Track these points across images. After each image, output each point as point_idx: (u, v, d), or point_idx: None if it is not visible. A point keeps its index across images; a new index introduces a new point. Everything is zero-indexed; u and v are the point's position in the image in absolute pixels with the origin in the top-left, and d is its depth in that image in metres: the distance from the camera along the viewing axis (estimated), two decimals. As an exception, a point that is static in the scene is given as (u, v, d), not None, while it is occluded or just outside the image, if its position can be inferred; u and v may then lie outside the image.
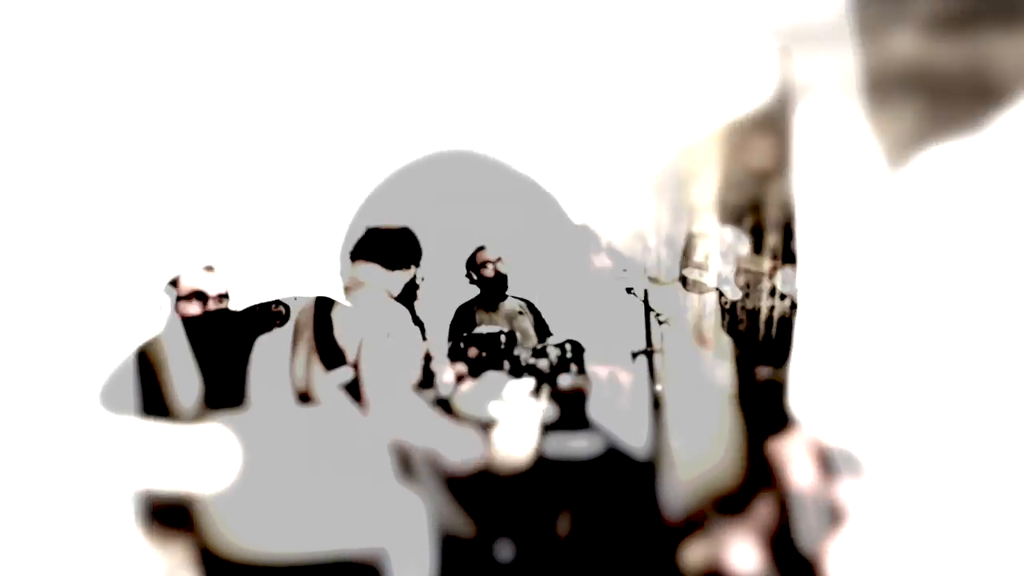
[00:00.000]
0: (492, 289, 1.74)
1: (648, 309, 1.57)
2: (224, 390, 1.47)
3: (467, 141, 1.56)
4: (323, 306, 1.54)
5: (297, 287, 1.57)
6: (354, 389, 1.48)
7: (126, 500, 1.38)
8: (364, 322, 1.50)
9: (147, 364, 1.45)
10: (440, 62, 1.53)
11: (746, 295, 1.51)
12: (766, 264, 1.50)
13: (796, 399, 1.42)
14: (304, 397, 1.49)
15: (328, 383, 1.49)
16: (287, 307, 1.53)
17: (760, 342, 1.51)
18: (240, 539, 1.39)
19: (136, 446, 1.40)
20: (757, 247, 1.50)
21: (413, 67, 1.53)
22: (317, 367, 1.50)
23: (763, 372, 1.49)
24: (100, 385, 1.40)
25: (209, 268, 1.51)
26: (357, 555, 1.40)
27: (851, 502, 1.34)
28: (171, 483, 1.40)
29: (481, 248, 1.79)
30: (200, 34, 1.48)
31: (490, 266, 1.74)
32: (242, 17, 1.49)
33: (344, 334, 1.49)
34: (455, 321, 1.72)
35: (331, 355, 1.49)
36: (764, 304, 1.50)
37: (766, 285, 1.50)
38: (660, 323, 1.56)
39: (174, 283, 1.49)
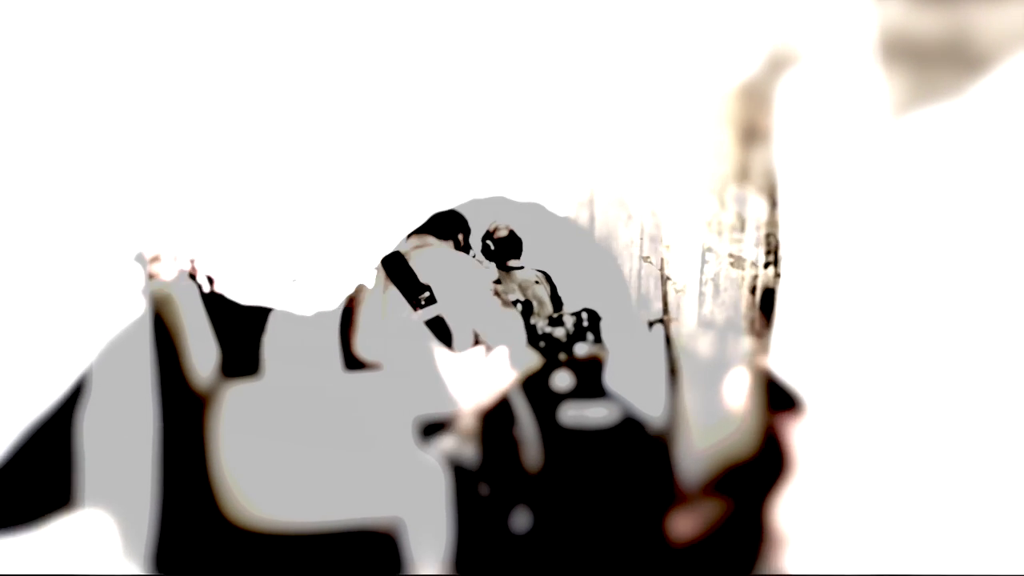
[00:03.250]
0: (505, 249, 1.77)
1: (665, 278, 1.56)
2: (240, 357, 1.47)
3: (472, 120, 1.57)
4: (393, 261, 1.64)
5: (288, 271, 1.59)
6: (438, 326, 1.55)
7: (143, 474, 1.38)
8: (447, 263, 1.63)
9: (164, 331, 1.45)
10: (435, 42, 1.52)
11: (731, 266, 1.51)
12: (750, 233, 1.50)
13: (778, 369, 1.42)
14: (354, 362, 1.54)
15: (415, 321, 1.55)
16: None
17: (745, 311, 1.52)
18: (257, 508, 1.39)
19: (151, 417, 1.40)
20: (740, 218, 1.50)
21: (405, 45, 1.53)
22: (394, 311, 1.57)
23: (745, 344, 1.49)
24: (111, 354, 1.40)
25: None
26: (374, 524, 1.40)
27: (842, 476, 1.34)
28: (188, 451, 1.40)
29: (494, 221, 1.83)
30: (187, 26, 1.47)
31: (502, 228, 1.77)
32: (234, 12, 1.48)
33: (429, 274, 1.59)
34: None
35: (416, 294, 1.58)
36: (747, 274, 1.49)
37: (749, 256, 1.50)
38: (677, 292, 1.55)
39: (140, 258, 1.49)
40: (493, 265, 1.80)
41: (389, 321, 1.57)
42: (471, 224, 1.82)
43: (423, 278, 1.58)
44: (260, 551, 1.39)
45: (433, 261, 1.60)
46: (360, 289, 1.62)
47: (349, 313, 1.60)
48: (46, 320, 1.38)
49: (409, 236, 1.71)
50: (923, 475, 1.29)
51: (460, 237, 1.74)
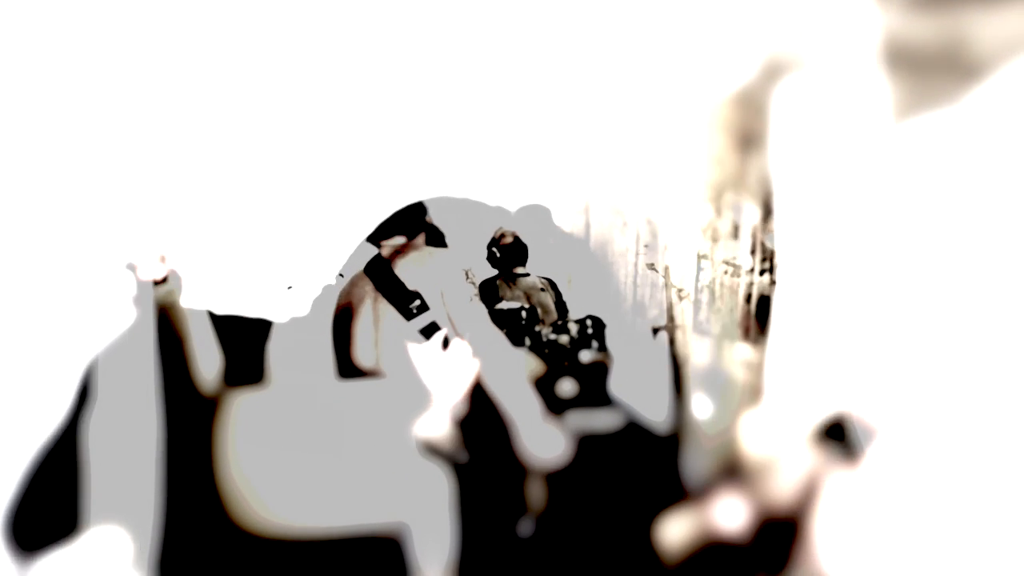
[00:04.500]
0: (511, 257, 1.76)
1: (668, 285, 1.57)
2: (244, 366, 1.47)
3: (468, 128, 1.57)
4: (377, 269, 1.60)
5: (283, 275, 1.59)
6: (432, 332, 1.54)
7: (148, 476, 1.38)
8: (438, 269, 1.58)
9: (170, 335, 1.45)
10: (433, 44, 1.52)
11: (726, 273, 1.52)
12: (746, 240, 1.51)
13: (775, 376, 1.43)
14: (353, 369, 1.53)
15: (407, 329, 1.54)
16: None
17: (739, 319, 1.52)
18: (262, 513, 1.39)
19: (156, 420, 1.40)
20: (735, 225, 1.51)
21: (400, 41, 1.53)
22: (388, 319, 1.56)
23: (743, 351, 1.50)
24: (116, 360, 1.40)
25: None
26: (379, 530, 1.40)
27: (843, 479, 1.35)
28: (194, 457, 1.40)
29: (500, 228, 1.82)
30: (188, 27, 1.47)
31: (508, 235, 1.76)
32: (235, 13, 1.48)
33: (417, 281, 1.56)
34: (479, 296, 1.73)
35: (407, 303, 1.55)
36: (743, 281, 1.50)
37: (745, 263, 1.51)
38: (681, 299, 1.56)
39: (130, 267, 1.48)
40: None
41: (383, 330, 1.55)
42: (473, 231, 1.82)
43: (411, 285, 1.56)
44: (265, 556, 1.39)
45: (418, 265, 1.58)
46: (351, 295, 1.60)
47: (344, 320, 1.59)
48: (48, 323, 1.38)
49: (378, 241, 1.66)
50: (927, 477, 1.30)
51: (428, 226, 1.71)
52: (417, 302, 1.53)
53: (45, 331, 1.38)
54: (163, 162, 1.50)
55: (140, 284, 1.44)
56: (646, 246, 1.57)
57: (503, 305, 1.62)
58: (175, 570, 1.36)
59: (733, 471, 1.43)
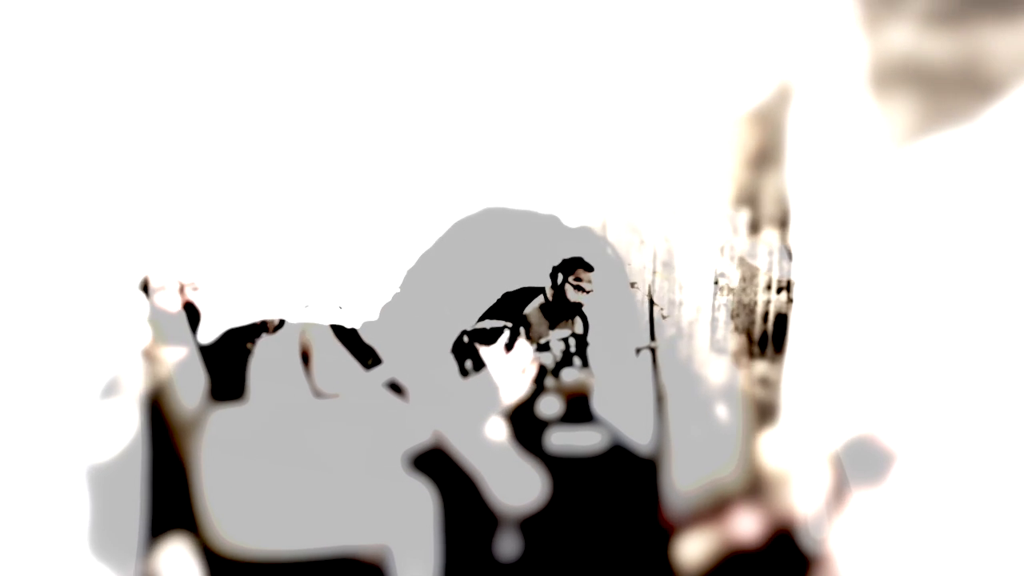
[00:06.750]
0: (566, 306, 1.66)
1: (652, 304, 1.56)
2: (226, 383, 1.46)
3: (464, 137, 1.56)
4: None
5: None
6: (393, 387, 1.53)
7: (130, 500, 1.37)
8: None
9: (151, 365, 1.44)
10: (436, 54, 1.52)
11: (743, 289, 1.51)
12: (763, 258, 1.51)
13: (791, 394, 1.43)
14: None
15: (370, 381, 1.52)
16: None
17: (757, 337, 1.52)
18: (242, 536, 1.38)
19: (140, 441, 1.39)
20: (753, 242, 1.51)
21: (411, 52, 1.53)
22: (348, 369, 1.54)
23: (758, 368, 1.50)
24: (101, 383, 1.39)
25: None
26: (361, 552, 1.39)
27: (854, 498, 1.34)
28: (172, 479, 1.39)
29: (590, 268, 1.67)
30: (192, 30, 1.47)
31: (590, 284, 1.66)
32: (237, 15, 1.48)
33: (371, 334, 1.57)
34: (499, 306, 1.68)
35: (365, 355, 1.54)
36: (760, 298, 1.50)
37: (762, 279, 1.50)
38: (664, 318, 1.56)
39: (145, 285, 1.48)
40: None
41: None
42: (471, 249, 1.78)
43: (366, 337, 1.56)
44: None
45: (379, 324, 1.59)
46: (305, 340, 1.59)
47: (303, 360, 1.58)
48: (38, 346, 1.37)
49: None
50: (944, 496, 1.30)
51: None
52: (370, 359, 1.53)
53: (56, 340, 1.38)
54: (181, 175, 1.50)
55: (154, 309, 1.44)
56: (664, 264, 1.57)
57: (485, 323, 1.61)
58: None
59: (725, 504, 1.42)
